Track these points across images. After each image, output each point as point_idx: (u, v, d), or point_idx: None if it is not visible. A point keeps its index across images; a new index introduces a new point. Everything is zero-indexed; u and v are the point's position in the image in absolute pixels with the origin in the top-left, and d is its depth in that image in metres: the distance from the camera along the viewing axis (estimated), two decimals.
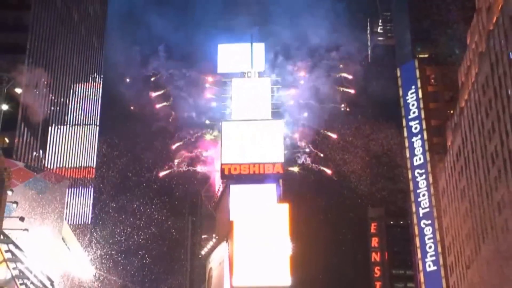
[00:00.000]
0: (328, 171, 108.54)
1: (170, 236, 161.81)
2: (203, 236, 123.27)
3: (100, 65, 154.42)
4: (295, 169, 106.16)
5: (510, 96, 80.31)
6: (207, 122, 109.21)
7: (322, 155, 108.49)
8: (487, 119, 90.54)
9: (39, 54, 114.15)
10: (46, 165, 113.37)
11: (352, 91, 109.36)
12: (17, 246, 39.67)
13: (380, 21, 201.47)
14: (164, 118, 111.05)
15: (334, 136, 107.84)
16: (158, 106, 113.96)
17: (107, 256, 77.44)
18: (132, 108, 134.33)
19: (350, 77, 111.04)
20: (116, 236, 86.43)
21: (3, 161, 30.88)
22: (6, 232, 37.72)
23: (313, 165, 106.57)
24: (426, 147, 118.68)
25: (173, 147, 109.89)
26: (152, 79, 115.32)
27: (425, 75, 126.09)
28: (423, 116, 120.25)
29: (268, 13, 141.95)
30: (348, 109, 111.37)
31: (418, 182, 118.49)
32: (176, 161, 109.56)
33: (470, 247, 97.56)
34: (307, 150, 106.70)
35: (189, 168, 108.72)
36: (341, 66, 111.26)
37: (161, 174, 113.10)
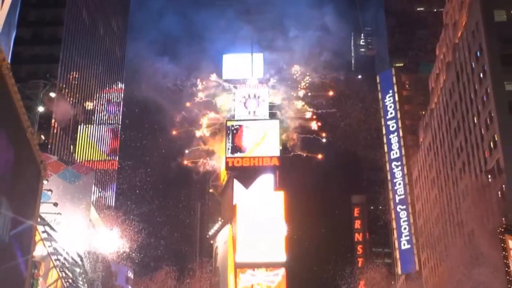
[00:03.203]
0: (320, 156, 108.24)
1: (181, 219, 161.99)
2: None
3: (122, 72, 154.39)
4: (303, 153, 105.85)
5: (473, 100, 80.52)
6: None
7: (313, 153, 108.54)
8: (453, 119, 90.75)
9: (70, 63, 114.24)
10: (76, 158, 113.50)
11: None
12: (51, 227, 39.85)
13: (362, 35, 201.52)
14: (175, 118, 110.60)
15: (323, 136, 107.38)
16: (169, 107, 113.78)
17: (127, 236, 77.48)
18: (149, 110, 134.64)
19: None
20: (135, 219, 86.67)
21: (38, 151, 31.04)
22: (42, 215, 37.93)
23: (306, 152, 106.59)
24: (402, 143, 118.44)
25: (174, 132, 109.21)
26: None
27: (401, 82, 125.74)
28: (399, 116, 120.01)
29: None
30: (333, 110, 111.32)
31: (394, 173, 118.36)
32: (186, 152, 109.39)
33: (439, 228, 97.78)
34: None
35: (198, 159, 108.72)
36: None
37: (173, 165, 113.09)
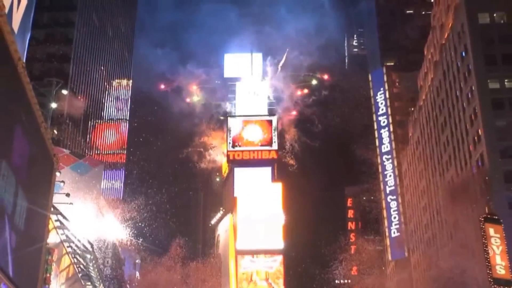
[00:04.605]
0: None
1: (186, 208, 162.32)
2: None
3: (130, 71, 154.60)
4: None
5: (458, 97, 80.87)
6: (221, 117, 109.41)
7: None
8: (440, 115, 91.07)
9: (81, 62, 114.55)
10: (86, 151, 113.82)
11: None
12: (64, 216, 40.09)
13: (355, 35, 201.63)
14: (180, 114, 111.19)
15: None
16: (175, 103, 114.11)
17: (135, 224, 77.95)
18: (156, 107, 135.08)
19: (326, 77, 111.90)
20: (142, 208, 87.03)
21: (51, 145, 31.44)
22: (55, 205, 38.22)
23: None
24: (392, 138, 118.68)
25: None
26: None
27: (391, 79, 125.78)
28: (389, 112, 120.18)
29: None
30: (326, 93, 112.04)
31: (385, 165, 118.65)
32: (191, 148, 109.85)
33: (427, 217, 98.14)
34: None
35: (202, 150, 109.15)
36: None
37: (178, 158, 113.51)
